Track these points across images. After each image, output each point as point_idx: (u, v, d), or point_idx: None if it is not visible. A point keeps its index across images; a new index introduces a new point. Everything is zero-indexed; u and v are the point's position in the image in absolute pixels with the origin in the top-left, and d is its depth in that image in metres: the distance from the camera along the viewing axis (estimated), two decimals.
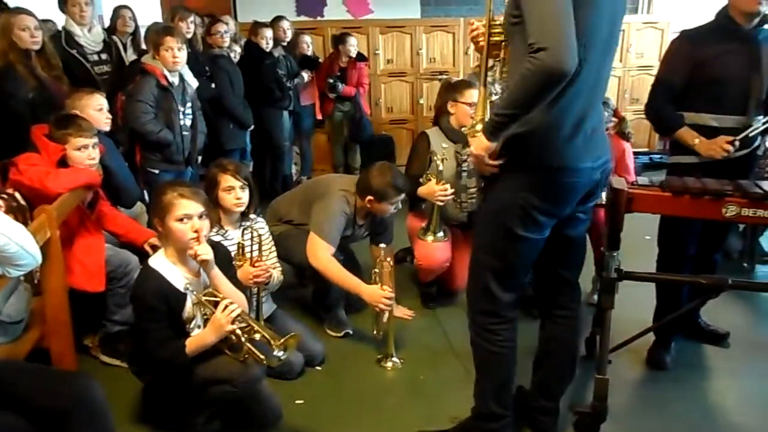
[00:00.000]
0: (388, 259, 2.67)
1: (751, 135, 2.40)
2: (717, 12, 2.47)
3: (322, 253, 2.70)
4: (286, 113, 5.15)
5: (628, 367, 2.64)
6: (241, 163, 3.02)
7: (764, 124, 2.43)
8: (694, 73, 2.43)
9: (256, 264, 2.49)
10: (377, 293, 2.63)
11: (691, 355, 2.77)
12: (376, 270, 2.69)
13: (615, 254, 2.08)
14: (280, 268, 2.73)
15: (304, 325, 2.80)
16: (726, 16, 2.42)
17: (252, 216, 2.64)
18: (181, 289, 2.06)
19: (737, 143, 2.37)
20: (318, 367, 2.67)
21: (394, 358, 2.70)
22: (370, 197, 2.77)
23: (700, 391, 2.52)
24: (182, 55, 3.35)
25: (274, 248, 2.74)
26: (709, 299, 2.28)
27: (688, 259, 2.56)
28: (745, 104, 2.40)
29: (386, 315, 2.68)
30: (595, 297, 2.54)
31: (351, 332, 2.95)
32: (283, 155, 5.19)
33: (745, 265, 3.70)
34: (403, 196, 2.84)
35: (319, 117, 5.54)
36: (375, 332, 2.77)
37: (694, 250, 2.57)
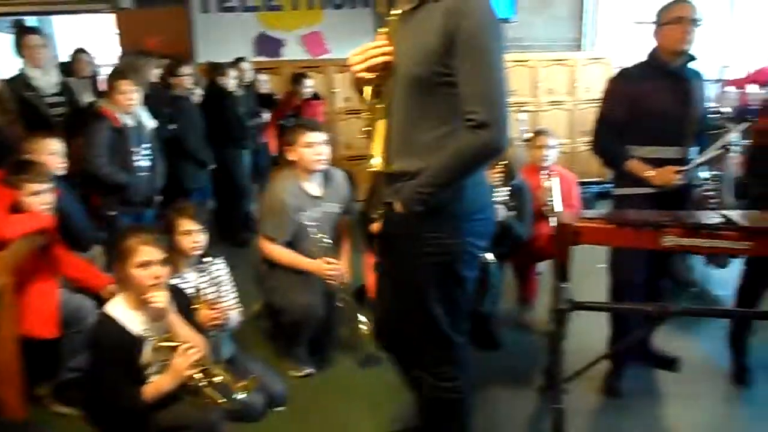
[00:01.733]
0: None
1: (694, 166, 2.51)
2: (649, 52, 2.60)
3: (266, 247, 2.83)
4: (246, 152, 5.17)
5: (585, 396, 2.68)
6: (199, 206, 3.02)
7: (709, 153, 2.57)
8: (632, 109, 2.54)
9: (213, 306, 2.48)
10: (321, 266, 2.75)
11: (644, 381, 2.83)
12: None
13: (565, 286, 2.14)
14: (240, 309, 2.71)
15: (265, 366, 2.78)
16: (656, 55, 2.56)
17: (208, 258, 2.63)
18: (139, 335, 2.03)
19: (684, 173, 2.48)
20: (280, 408, 2.65)
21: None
22: (293, 152, 2.81)
23: (654, 418, 2.57)
24: (136, 96, 3.37)
25: (233, 289, 2.73)
26: (657, 326, 2.37)
27: (637, 287, 2.63)
28: (681, 136, 2.53)
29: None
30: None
31: (313, 371, 2.94)
32: (245, 193, 5.19)
33: (693, 290, 3.81)
34: (317, 137, 2.79)
35: (274, 153, 5.57)
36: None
37: (642, 278, 2.64)
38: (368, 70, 1.70)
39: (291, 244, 2.86)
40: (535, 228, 3.28)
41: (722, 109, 6.37)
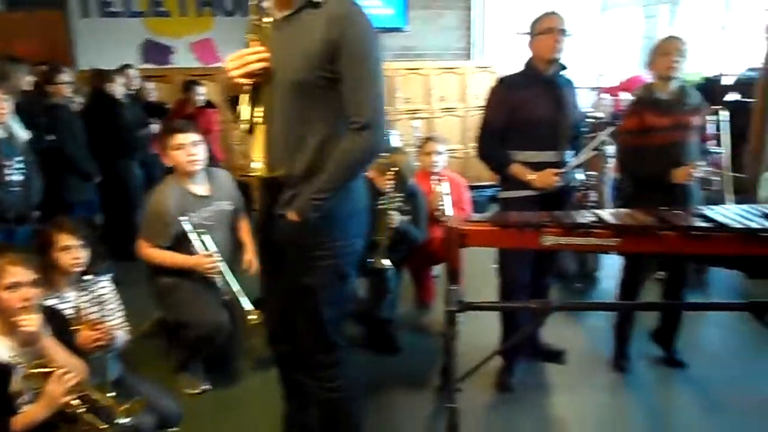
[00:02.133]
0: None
1: (570, 168, 2.66)
2: (525, 62, 2.73)
3: (144, 251, 2.79)
4: (136, 163, 4.95)
5: (479, 393, 2.76)
6: (79, 220, 2.83)
7: (582, 155, 2.73)
8: (512, 116, 2.65)
9: (96, 327, 2.33)
10: (200, 260, 2.69)
11: (534, 374, 2.97)
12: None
13: (455, 288, 2.19)
14: (126, 328, 2.57)
15: (157, 386, 2.65)
16: (531, 64, 2.70)
17: (89, 276, 2.47)
18: (7, 363, 1.87)
19: (562, 175, 2.61)
20: (173, 430, 2.53)
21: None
22: (167, 157, 2.80)
23: (543, 408, 2.70)
24: (7, 106, 3.12)
25: (120, 308, 2.58)
26: (542, 322, 2.48)
27: (523, 285, 2.75)
28: (556, 141, 2.67)
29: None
30: None
31: (210, 388, 2.84)
32: (136, 206, 4.94)
33: (578, 285, 4.04)
34: (185, 138, 2.76)
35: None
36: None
37: (528, 276, 2.77)
38: (245, 76, 1.70)
39: (181, 250, 2.77)
40: (429, 232, 3.36)
41: (597, 115, 6.85)
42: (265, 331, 2.23)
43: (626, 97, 6.71)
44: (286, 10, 1.73)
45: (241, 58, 1.69)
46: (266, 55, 1.70)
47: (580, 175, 2.92)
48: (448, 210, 3.38)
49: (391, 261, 3.24)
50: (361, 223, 1.91)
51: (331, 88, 1.69)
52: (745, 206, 2.35)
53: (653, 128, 2.74)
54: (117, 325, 2.49)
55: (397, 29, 6.56)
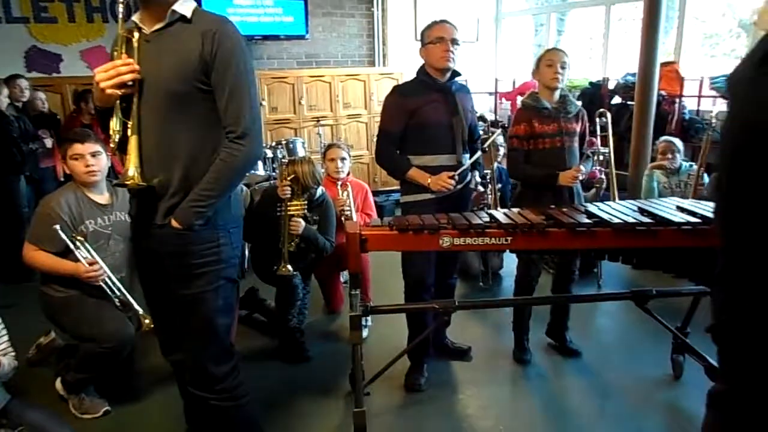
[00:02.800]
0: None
1: (463, 170, 2.75)
2: (417, 70, 2.80)
3: (28, 254, 2.65)
4: (23, 178, 4.65)
5: (389, 395, 2.81)
6: None
7: (474, 156, 2.84)
8: (408, 122, 2.71)
9: None
10: (80, 267, 2.57)
11: (441, 373, 3.04)
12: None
13: (357, 292, 2.22)
14: (12, 354, 2.41)
15: (48, 412, 2.50)
16: (424, 72, 2.77)
17: None
18: None
19: (457, 177, 2.69)
20: None
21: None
22: (66, 166, 2.72)
23: (450, 404, 2.77)
24: None
25: (3, 332, 2.42)
26: (447, 321, 2.56)
27: (427, 286, 2.81)
28: (453, 144, 2.75)
29: None
30: None
31: (110, 409, 2.72)
32: (23, 223, 4.64)
33: (482, 284, 4.18)
34: (83, 148, 2.65)
35: (61, 178, 5.08)
36: None
37: (432, 278, 2.84)
38: (116, 86, 1.72)
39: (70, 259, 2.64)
40: (337, 238, 3.37)
41: (489, 118, 7.14)
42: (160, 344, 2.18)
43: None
44: (157, 23, 1.80)
45: (113, 69, 1.71)
46: (136, 66, 1.74)
47: (476, 176, 3.02)
48: (353, 216, 3.41)
49: (299, 269, 3.24)
50: (240, 230, 1.99)
51: (203, 99, 1.77)
52: (625, 202, 2.53)
53: (539, 134, 2.89)
54: (1, 351, 2.34)
55: (299, 37, 6.53)
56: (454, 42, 2.67)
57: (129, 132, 1.78)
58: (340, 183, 3.56)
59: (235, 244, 1.94)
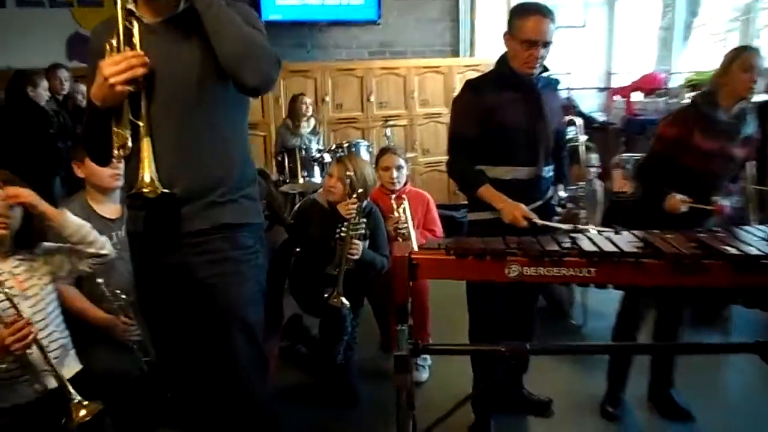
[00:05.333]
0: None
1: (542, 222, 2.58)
2: (497, 59, 2.74)
3: None
4: (58, 179, 4.93)
5: None
6: None
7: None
8: (482, 125, 2.65)
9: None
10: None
11: (512, 429, 2.94)
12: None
13: (404, 327, 2.18)
14: None
15: None
16: (505, 63, 2.69)
17: None
18: None
19: (535, 221, 2.53)
20: None
21: None
22: (82, 168, 2.76)
23: None
24: None
25: None
26: (519, 368, 2.47)
27: (497, 323, 2.73)
28: (534, 155, 2.67)
29: None
30: None
31: None
32: None
33: (573, 321, 4.03)
34: None
35: None
36: None
37: (503, 312, 2.75)
38: (128, 83, 1.73)
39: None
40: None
41: (606, 119, 6.90)
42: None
43: (639, 98, 6.79)
44: (165, 12, 1.84)
45: (124, 62, 1.72)
46: (147, 60, 1.76)
47: (559, 191, 2.91)
48: (412, 234, 3.36)
49: (349, 297, 3.21)
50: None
51: (227, 87, 1.83)
52: (762, 227, 2.34)
53: (693, 149, 2.73)
54: None
55: (370, 22, 6.60)
56: (547, 45, 2.58)
57: (141, 134, 1.80)
58: (394, 196, 3.55)
59: (264, 249, 2.04)
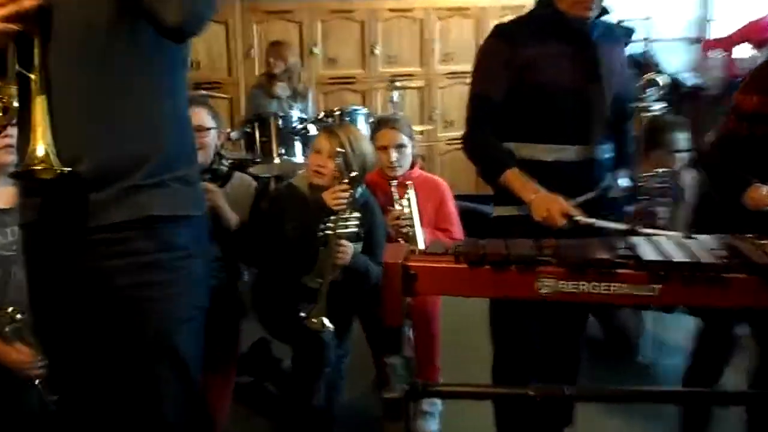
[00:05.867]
0: None
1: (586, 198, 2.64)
2: None
3: None
4: None
5: None
6: None
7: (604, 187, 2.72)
8: (517, 85, 2.65)
9: None
10: None
11: None
12: None
13: (398, 361, 2.16)
14: None
15: None
16: (550, 2, 2.66)
17: None
18: None
19: (576, 219, 2.52)
20: None
21: None
22: None
23: None
24: None
25: None
26: (567, 418, 2.46)
27: (526, 353, 2.73)
28: (586, 128, 2.66)
29: None
30: None
31: None
32: None
33: (641, 357, 4.02)
34: None
35: None
36: None
37: (533, 340, 2.76)
38: (13, 19, 1.71)
39: None
40: None
41: (696, 84, 6.86)
42: None
43: (746, 53, 6.74)
44: None
45: None
46: None
47: (619, 180, 2.88)
48: (418, 234, 3.36)
49: (334, 316, 3.19)
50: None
51: (145, 31, 1.78)
52: None
53: None
54: None
55: None
56: None
57: (33, 91, 1.77)
58: (395, 183, 3.54)
59: (207, 257, 2.06)
